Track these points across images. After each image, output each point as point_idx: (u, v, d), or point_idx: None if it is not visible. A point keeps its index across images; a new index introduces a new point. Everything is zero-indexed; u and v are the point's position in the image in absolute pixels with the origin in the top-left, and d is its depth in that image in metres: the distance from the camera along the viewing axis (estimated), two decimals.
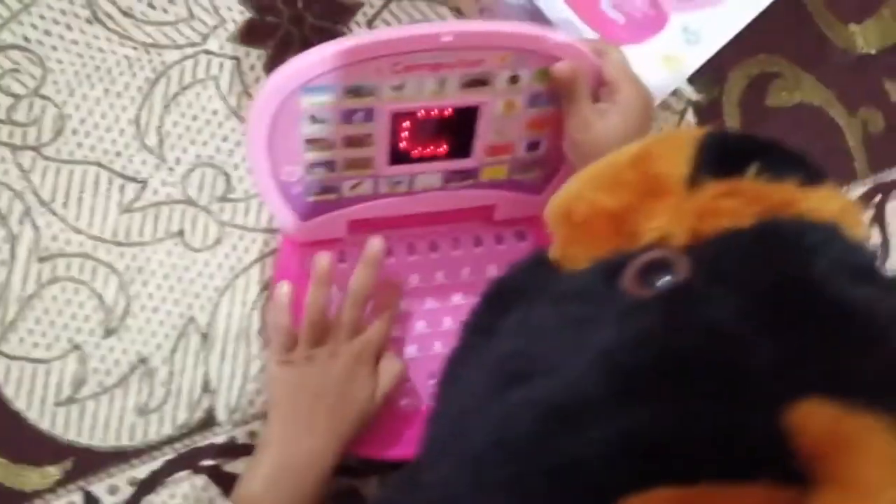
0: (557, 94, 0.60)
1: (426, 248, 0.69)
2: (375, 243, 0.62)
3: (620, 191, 0.36)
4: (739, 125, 0.82)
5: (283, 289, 0.62)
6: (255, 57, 0.71)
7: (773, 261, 0.31)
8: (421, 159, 0.62)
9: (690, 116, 0.81)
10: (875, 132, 0.86)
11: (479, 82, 0.58)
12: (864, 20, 0.86)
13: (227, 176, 0.69)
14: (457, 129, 0.61)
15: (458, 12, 0.76)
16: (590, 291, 0.35)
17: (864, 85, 0.86)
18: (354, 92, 0.56)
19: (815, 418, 0.26)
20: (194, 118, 0.69)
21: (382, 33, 0.55)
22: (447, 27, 0.54)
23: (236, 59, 0.70)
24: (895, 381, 0.27)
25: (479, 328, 0.41)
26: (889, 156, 0.86)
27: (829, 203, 0.34)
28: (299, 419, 0.60)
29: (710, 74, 0.81)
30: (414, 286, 0.68)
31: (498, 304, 0.41)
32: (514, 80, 0.59)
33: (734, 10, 0.72)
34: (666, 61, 0.69)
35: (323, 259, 0.61)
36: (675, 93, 0.72)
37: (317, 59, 0.53)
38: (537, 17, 0.68)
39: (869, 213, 0.85)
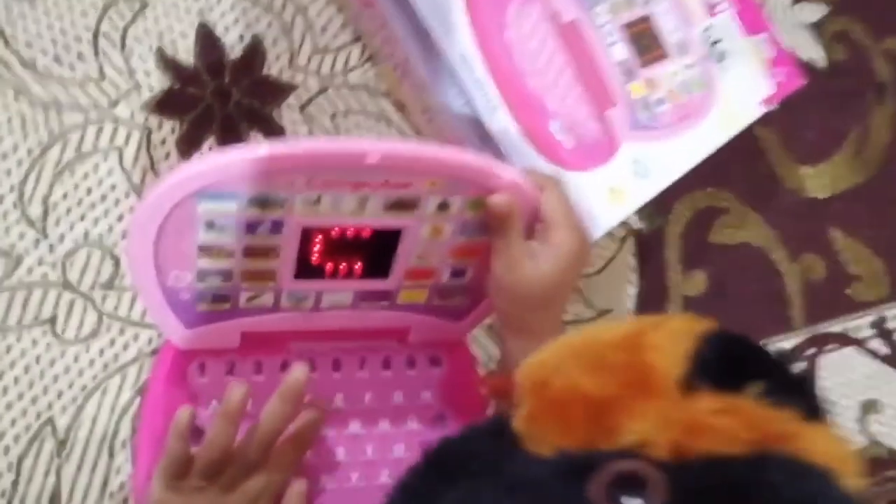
0: (488, 225, 0.54)
1: (328, 366, 0.62)
2: (298, 373, 0.54)
3: (605, 376, 0.32)
4: (679, 258, 0.78)
5: (184, 415, 0.53)
6: (167, 130, 0.64)
7: None
8: (332, 276, 0.56)
9: (631, 246, 0.76)
10: (815, 280, 0.83)
11: (404, 205, 0.52)
12: (817, 164, 0.84)
13: (116, 260, 0.62)
14: (375, 250, 0.55)
15: (401, 108, 0.71)
16: (550, 490, 0.31)
17: (809, 230, 0.83)
18: (261, 203, 0.49)
19: None
20: (88, 192, 0.62)
21: (300, 144, 0.50)
22: (374, 146, 0.48)
23: (147, 129, 0.63)
24: None
25: (417, 494, 0.37)
26: (826, 307, 0.83)
27: (827, 446, 0.31)
28: None
29: (655, 204, 0.77)
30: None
31: (443, 469, 0.37)
32: (443, 206, 0.53)
33: (688, 147, 0.68)
34: (612, 194, 0.65)
35: (236, 392, 0.53)
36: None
37: (221, 163, 0.47)
38: (480, 128, 0.63)
39: (801, 366, 0.81)
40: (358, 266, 0.56)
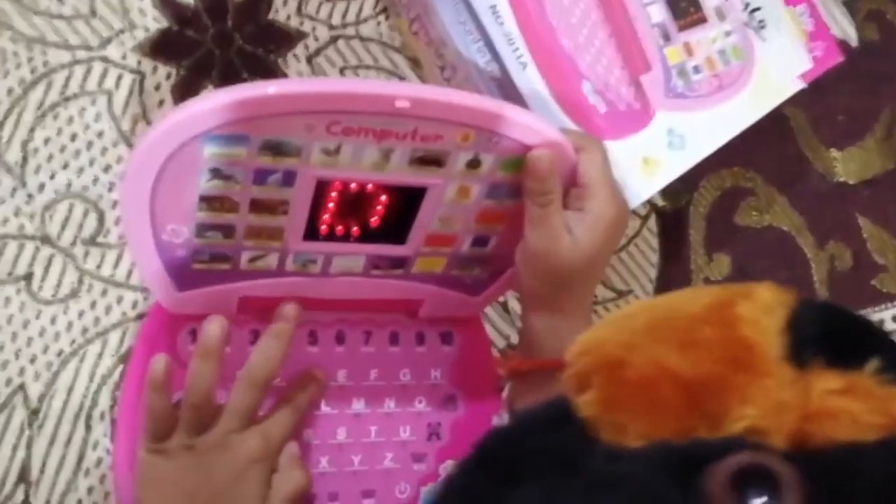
0: (523, 189, 0.49)
1: (331, 339, 0.57)
2: (289, 309, 0.50)
3: (697, 353, 0.28)
4: (703, 240, 0.73)
5: (160, 364, 0.48)
6: (162, 75, 0.58)
7: None
8: (344, 238, 0.50)
9: (653, 224, 0.72)
10: (842, 270, 0.79)
11: (431, 161, 0.47)
12: (846, 147, 0.80)
13: (101, 214, 0.56)
14: (394, 210, 0.50)
15: (416, 64, 0.65)
16: (649, 488, 0.26)
17: (837, 217, 0.79)
18: (274, 149, 0.44)
19: None
20: (73, 138, 0.56)
21: (323, 83, 0.44)
22: (406, 89, 0.43)
23: (140, 73, 0.57)
24: None
25: (472, 497, 0.31)
26: (852, 297, 0.79)
27: None
28: None
29: (681, 181, 0.72)
30: None
31: (502, 467, 0.31)
32: (473, 164, 0.48)
33: (724, 119, 0.63)
34: (645, 165, 0.60)
35: (214, 325, 0.48)
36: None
37: (233, 101, 0.41)
38: (507, 86, 0.58)
39: None
40: (374, 228, 0.50)
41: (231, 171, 0.44)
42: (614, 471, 0.27)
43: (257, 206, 0.47)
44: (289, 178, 0.46)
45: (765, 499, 0.23)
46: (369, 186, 0.48)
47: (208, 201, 0.46)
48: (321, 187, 0.47)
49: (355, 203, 0.49)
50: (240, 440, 0.49)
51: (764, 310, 0.29)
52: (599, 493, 0.27)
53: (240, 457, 0.48)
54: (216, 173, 0.44)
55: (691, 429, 0.27)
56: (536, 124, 0.47)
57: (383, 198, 0.49)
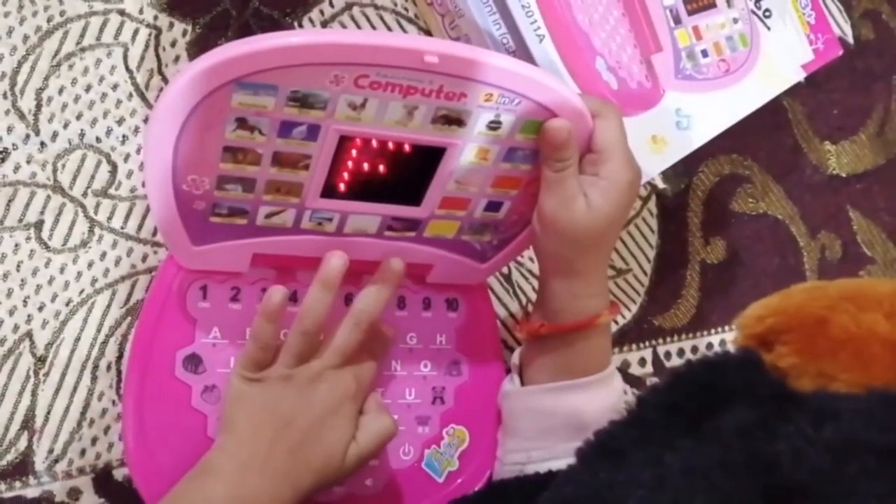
0: (540, 153, 0.50)
1: (339, 300, 0.57)
2: (396, 263, 0.52)
3: None
4: (701, 224, 0.75)
5: (277, 295, 0.49)
6: (178, 32, 0.58)
7: None
8: (360, 197, 0.51)
9: (653, 206, 0.73)
10: (831, 259, 0.80)
11: (453, 120, 0.47)
12: (840, 141, 0.82)
13: (114, 166, 0.55)
14: (412, 171, 0.50)
15: (428, 34, 0.66)
16: (878, 420, 0.31)
17: (829, 208, 0.81)
18: (301, 100, 0.44)
19: None
20: (87, 88, 0.55)
21: (354, 35, 0.44)
22: (435, 44, 0.43)
23: (156, 29, 0.57)
24: None
25: (672, 414, 0.37)
26: None
27: None
28: (256, 451, 0.47)
29: (681, 165, 0.74)
30: None
31: (701, 393, 0.37)
32: (494, 125, 0.48)
33: (729, 103, 0.64)
34: (653, 142, 0.61)
35: (336, 259, 0.50)
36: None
37: (265, 48, 0.41)
38: (521, 59, 0.59)
39: None
40: (391, 188, 0.51)
41: (257, 121, 0.45)
42: (838, 405, 0.32)
43: (279, 159, 0.47)
44: (313, 132, 0.46)
45: None
46: (390, 145, 0.48)
47: (232, 152, 0.46)
48: (343, 143, 0.47)
49: (375, 162, 0.49)
50: (337, 376, 0.50)
51: None
52: (828, 420, 0.31)
53: (337, 391, 0.50)
54: (242, 123, 0.45)
55: None
56: (558, 88, 0.47)
57: (402, 158, 0.49)
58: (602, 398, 0.54)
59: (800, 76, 0.68)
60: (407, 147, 0.49)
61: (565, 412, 0.53)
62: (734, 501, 0.32)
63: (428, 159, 0.50)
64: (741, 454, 0.33)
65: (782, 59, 0.67)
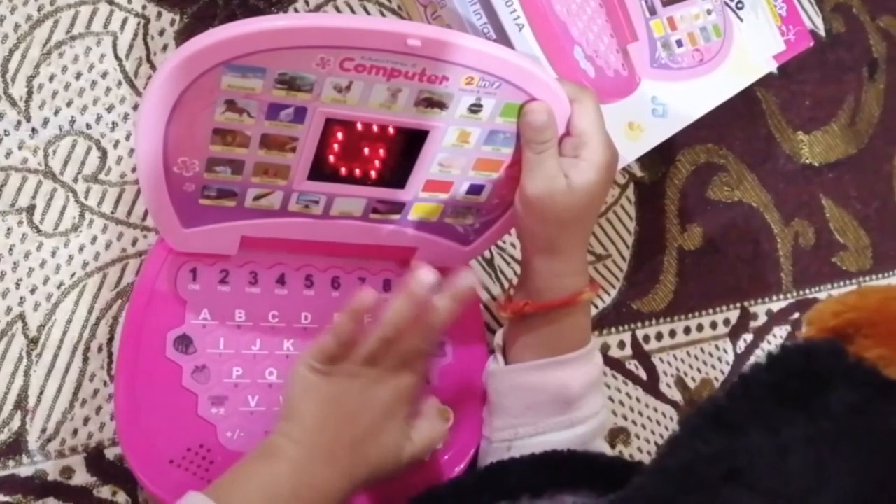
0: (520, 136, 0.52)
1: (326, 283, 0.59)
2: (470, 277, 0.53)
3: None
4: (678, 211, 0.77)
5: (368, 297, 0.50)
6: (166, 21, 0.59)
7: None
8: (347, 180, 0.52)
9: (631, 194, 0.75)
10: (805, 246, 0.83)
11: (435, 103, 0.49)
12: (812, 131, 0.84)
13: (104, 152, 0.57)
14: (396, 153, 0.52)
15: None
16: None
17: (802, 196, 0.83)
18: (288, 83, 0.45)
19: None
20: (77, 76, 0.57)
21: (340, 19, 0.46)
22: (418, 28, 0.45)
23: (144, 18, 0.59)
24: None
25: (777, 391, 0.39)
26: (813, 274, 0.83)
27: None
28: (321, 442, 0.49)
29: (658, 154, 0.76)
30: (304, 326, 0.58)
31: (801, 375, 0.39)
32: (475, 108, 0.50)
33: (703, 91, 0.66)
34: (630, 129, 0.63)
35: (427, 273, 0.50)
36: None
37: (254, 31, 0.43)
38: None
39: (785, 329, 0.81)
40: (376, 171, 0.52)
41: (245, 103, 0.46)
42: None
43: (267, 141, 0.48)
44: (300, 115, 0.48)
45: None
46: (374, 128, 0.50)
47: (221, 134, 0.47)
48: (329, 126, 0.49)
49: (360, 145, 0.51)
50: (397, 380, 0.52)
51: None
52: None
53: (395, 394, 0.52)
54: (231, 105, 0.46)
55: None
56: (536, 71, 0.49)
57: (387, 140, 0.51)
58: (586, 373, 0.56)
59: (772, 66, 0.70)
60: (391, 130, 0.50)
61: (552, 388, 0.55)
62: (867, 470, 0.35)
63: (412, 142, 0.51)
64: (860, 429, 0.36)
65: (754, 49, 0.69)
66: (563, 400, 0.55)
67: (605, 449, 0.59)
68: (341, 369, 0.50)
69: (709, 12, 0.68)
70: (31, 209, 0.54)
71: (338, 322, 0.50)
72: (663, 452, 0.42)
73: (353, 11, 0.65)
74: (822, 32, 0.85)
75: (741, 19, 0.69)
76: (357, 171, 0.52)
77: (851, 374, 0.38)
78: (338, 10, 0.65)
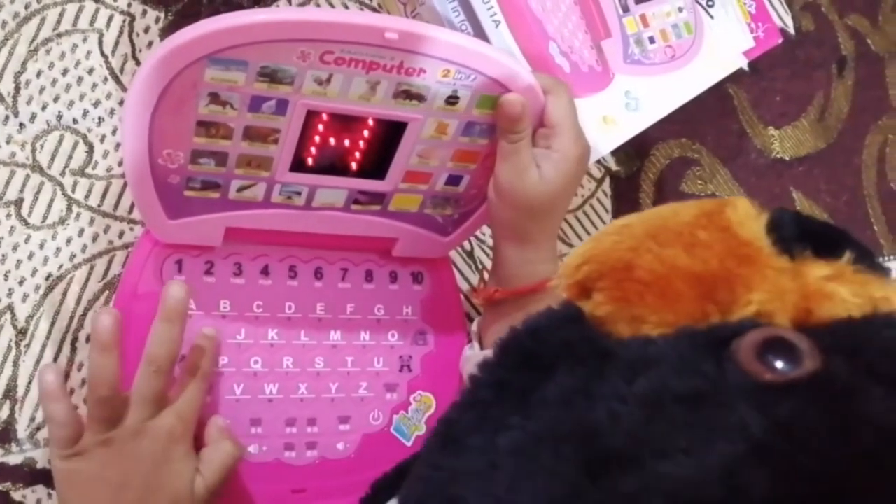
0: (496, 127, 0.53)
1: (310, 274, 0.60)
2: (175, 290, 0.50)
3: (703, 252, 0.31)
4: (652, 204, 0.79)
5: (49, 375, 0.48)
6: (151, 18, 0.60)
7: None
8: (328, 171, 0.54)
9: (607, 187, 0.77)
10: None
11: (413, 95, 0.51)
12: (783, 126, 0.86)
13: (90, 147, 0.58)
14: (376, 145, 0.53)
15: None
16: (689, 364, 0.29)
17: (773, 189, 0.85)
18: (270, 76, 0.47)
19: None
20: (64, 72, 0.58)
21: (320, 13, 0.47)
22: (396, 22, 0.46)
23: (130, 16, 0.60)
24: None
25: (506, 386, 0.34)
26: None
27: None
28: None
29: (634, 148, 0.78)
30: (288, 316, 0.59)
31: (529, 360, 0.33)
32: (452, 100, 0.52)
33: (675, 86, 0.68)
34: (604, 122, 0.64)
35: (105, 318, 0.47)
36: (597, 160, 0.68)
37: (236, 25, 0.44)
38: None
39: None
40: (356, 163, 0.54)
41: (229, 96, 0.48)
42: (648, 352, 0.30)
43: (250, 133, 0.50)
44: (282, 107, 0.49)
45: (790, 365, 0.27)
46: (355, 120, 0.51)
47: (205, 126, 0.49)
48: (310, 118, 0.50)
49: (341, 137, 0.52)
50: (156, 424, 0.49)
51: (748, 215, 0.33)
52: (641, 371, 0.29)
53: (160, 440, 0.49)
54: (214, 98, 0.47)
55: (705, 316, 0.30)
56: (511, 64, 0.51)
57: (367, 132, 0.52)
58: None
59: (742, 62, 0.72)
60: (371, 121, 0.52)
61: None
62: (558, 481, 0.29)
63: (391, 134, 0.53)
64: (565, 425, 0.30)
65: (725, 46, 0.71)
66: None
67: None
68: (88, 443, 0.48)
69: (680, 10, 0.70)
70: (19, 202, 0.56)
71: (49, 410, 0.48)
72: (405, 483, 0.38)
73: (333, 8, 0.66)
74: (792, 30, 0.87)
75: (711, 17, 0.71)
76: (338, 163, 0.54)
77: (574, 348, 0.32)
78: (318, 6, 0.66)
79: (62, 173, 0.57)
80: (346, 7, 0.66)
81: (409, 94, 0.50)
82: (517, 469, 0.30)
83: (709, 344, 0.29)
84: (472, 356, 0.60)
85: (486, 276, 0.68)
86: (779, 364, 0.27)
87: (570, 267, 0.34)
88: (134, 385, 0.49)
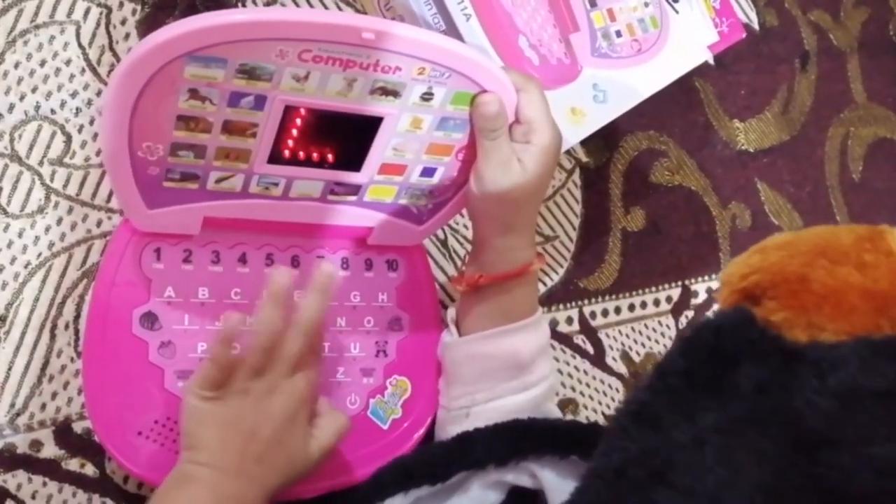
0: (473, 124, 0.55)
1: (287, 262, 0.62)
2: (328, 268, 0.54)
3: (871, 272, 0.37)
4: (621, 194, 0.81)
5: (234, 318, 0.51)
6: (128, 10, 0.61)
7: None
8: (305, 163, 0.55)
9: (577, 178, 0.79)
10: (742, 228, 0.88)
11: (389, 92, 0.52)
12: (747, 119, 0.89)
13: (68, 137, 0.59)
14: (352, 138, 0.55)
15: (365, 14, 0.70)
16: (873, 367, 0.35)
17: (738, 180, 0.88)
18: (249, 73, 0.48)
19: None
20: (42, 63, 0.58)
21: (298, 13, 0.49)
22: (372, 22, 0.48)
23: (107, 8, 0.60)
24: None
25: (698, 377, 0.39)
26: None
27: None
28: (229, 462, 0.50)
29: (603, 140, 0.80)
30: None
31: (711, 356, 0.39)
32: (427, 97, 0.53)
33: (641, 79, 0.70)
34: (572, 114, 0.66)
35: (283, 274, 0.52)
36: (566, 151, 0.70)
37: (215, 24, 0.45)
38: (451, 37, 0.64)
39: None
40: (332, 156, 0.55)
41: (208, 92, 0.49)
42: (834, 354, 0.35)
43: (229, 127, 0.51)
44: (260, 102, 0.50)
45: None
46: (331, 115, 0.53)
47: (185, 121, 0.50)
48: (288, 113, 0.51)
49: (317, 130, 0.53)
50: (290, 385, 0.53)
51: None
52: (829, 369, 0.35)
53: (292, 400, 0.53)
54: (194, 93, 0.49)
55: (879, 329, 0.36)
56: (483, 62, 0.53)
57: (343, 126, 0.54)
58: (536, 339, 0.60)
59: (706, 56, 0.74)
60: (347, 118, 0.53)
61: (505, 354, 0.59)
62: (770, 455, 0.35)
63: (367, 128, 0.54)
64: (765, 410, 0.36)
65: (690, 40, 0.73)
66: (515, 365, 0.59)
67: (556, 412, 0.63)
68: (230, 390, 0.52)
69: (646, 4, 0.72)
70: None
71: (213, 349, 0.51)
72: (599, 452, 0.42)
73: (310, 5, 0.68)
74: (756, 26, 0.90)
75: (677, 11, 0.73)
76: (315, 156, 0.55)
77: (758, 344, 0.38)
78: (296, 3, 0.67)
79: (40, 163, 0.58)
80: (323, 2, 0.67)
81: (384, 91, 0.52)
82: (725, 444, 0.35)
83: (889, 351, 0.35)
84: (452, 343, 0.62)
85: (461, 265, 0.69)
86: None
87: (735, 276, 0.40)
88: (281, 347, 0.53)
